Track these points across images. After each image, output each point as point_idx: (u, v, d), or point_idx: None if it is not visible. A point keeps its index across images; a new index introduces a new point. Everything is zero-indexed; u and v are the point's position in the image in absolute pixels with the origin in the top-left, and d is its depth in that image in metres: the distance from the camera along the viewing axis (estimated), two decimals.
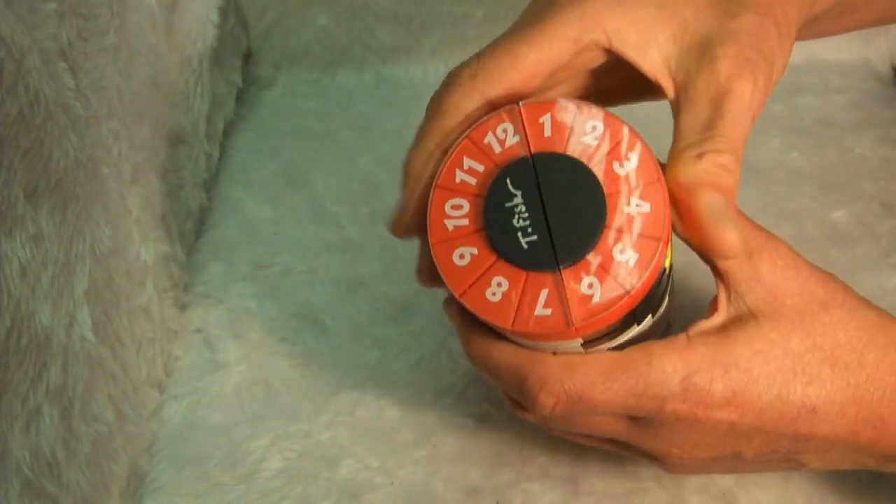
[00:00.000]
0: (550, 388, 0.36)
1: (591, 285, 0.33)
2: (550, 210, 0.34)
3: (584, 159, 0.34)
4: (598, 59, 0.39)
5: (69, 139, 0.42)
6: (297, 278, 0.56)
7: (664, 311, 0.39)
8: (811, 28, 0.43)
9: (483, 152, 0.35)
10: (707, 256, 0.37)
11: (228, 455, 0.48)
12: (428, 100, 0.39)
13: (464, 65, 0.38)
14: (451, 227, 0.35)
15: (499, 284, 0.34)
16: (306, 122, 0.68)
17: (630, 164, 0.34)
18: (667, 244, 0.35)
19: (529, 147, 0.35)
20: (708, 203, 0.35)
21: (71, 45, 0.44)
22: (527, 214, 0.34)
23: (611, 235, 0.34)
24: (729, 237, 0.35)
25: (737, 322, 0.37)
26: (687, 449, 0.38)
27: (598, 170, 0.34)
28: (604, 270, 0.33)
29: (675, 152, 0.36)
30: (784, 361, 0.36)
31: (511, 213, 0.34)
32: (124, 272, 0.47)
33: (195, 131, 0.60)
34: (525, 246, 0.33)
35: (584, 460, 0.46)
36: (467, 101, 0.37)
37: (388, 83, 0.71)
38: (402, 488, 0.46)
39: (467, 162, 0.35)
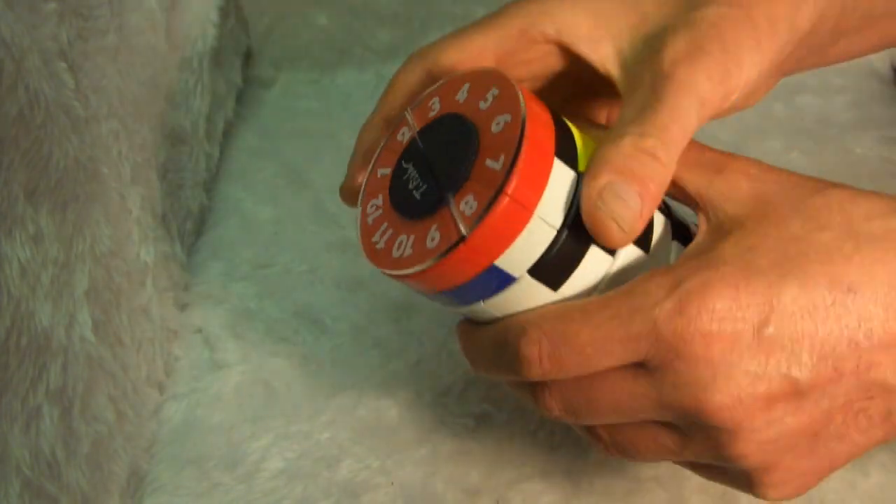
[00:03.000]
0: (530, 336, 0.33)
1: (468, 201, 0.33)
2: (434, 164, 0.35)
3: (466, 114, 0.35)
4: (555, 57, 0.38)
5: (69, 139, 0.42)
6: (297, 278, 0.56)
7: (658, 240, 0.37)
8: (822, 50, 0.41)
9: (392, 151, 0.38)
10: (677, 189, 0.35)
11: (228, 455, 0.48)
12: None
13: (421, 47, 0.40)
14: (370, 221, 0.37)
15: (402, 241, 0.35)
16: (306, 122, 0.68)
17: (490, 97, 0.35)
18: (543, 146, 0.33)
19: (416, 129, 0.37)
20: (602, 186, 0.32)
21: (71, 45, 0.44)
22: (417, 177, 0.36)
23: (482, 158, 0.34)
24: (609, 226, 0.32)
25: (721, 232, 0.33)
26: (726, 392, 0.32)
27: (470, 116, 0.35)
28: (477, 184, 0.33)
29: (603, 140, 0.34)
30: (789, 247, 0.32)
31: (407, 182, 0.36)
32: (124, 272, 0.47)
33: (195, 131, 0.60)
34: (418, 199, 0.35)
35: (585, 460, 0.46)
36: (410, 76, 0.39)
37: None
38: (402, 488, 0.46)
39: (380, 169, 0.38)
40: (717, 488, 0.44)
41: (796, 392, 0.32)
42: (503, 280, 0.34)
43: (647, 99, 0.34)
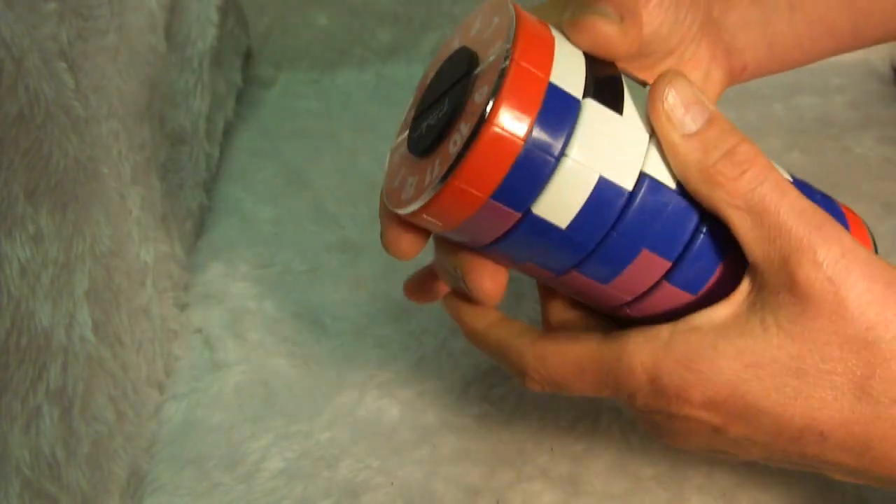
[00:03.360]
0: (531, 378, 0.37)
1: (460, 133, 0.32)
2: (441, 101, 0.34)
3: (472, 45, 0.34)
4: None
5: (69, 139, 0.42)
6: (297, 278, 0.56)
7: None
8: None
9: (419, 92, 0.37)
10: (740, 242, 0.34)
11: (228, 455, 0.48)
12: None
13: None
14: (393, 165, 0.37)
15: (410, 181, 0.34)
16: (306, 122, 0.68)
17: (491, 26, 0.33)
18: (541, 64, 0.32)
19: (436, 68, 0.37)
20: (567, 16, 0.33)
21: (71, 45, 0.44)
22: (428, 115, 0.34)
23: (477, 88, 0.32)
24: (607, 29, 0.33)
25: (739, 325, 0.33)
26: (679, 439, 0.36)
27: (474, 48, 0.34)
28: (468, 115, 0.32)
29: None
30: (785, 381, 0.33)
31: (420, 122, 0.35)
32: (124, 272, 0.47)
33: (195, 131, 0.60)
34: (424, 137, 0.34)
35: (584, 460, 0.46)
36: None
37: (388, 83, 0.71)
38: (402, 488, 0.46)
39: (411, 111, 0.37)
40: (717, 488, 0.44)
41: (737, 455, 0.37)
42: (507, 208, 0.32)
43: None
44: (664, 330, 0.34)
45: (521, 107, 0.31)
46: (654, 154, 0.33)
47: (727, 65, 0.42)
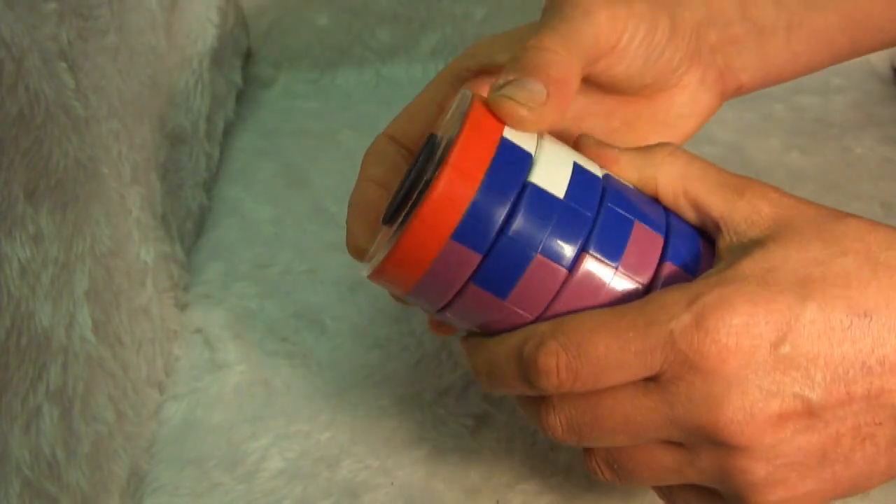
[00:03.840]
0: (547, 347, 0.33)
1: (409, 208, 0.35)
2: (413, 174, 0.36)
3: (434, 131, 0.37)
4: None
5: (69, 139, 0.42)
6: (297, 278, 0.56)
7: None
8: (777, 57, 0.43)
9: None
10: (700, 212, 0.36)
11: (228, 455, 0.48)
12: None
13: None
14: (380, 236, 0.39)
15: (378, 247, 0.37)
16: (306, 122, 0.68)
17: (457, 116, 0.36)
18: (473, 158, 0.34)
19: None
20: (503, 83, 0.35)
21: (71, 45, 0.44)
22: (401, 192, 0.36)
23: (427, 168, 0.35)
24: (515, 109, 0.35)
25: (743, 255, 0.34)
26: (739, 407, 0.32)
27: (441, 134, 0.37)
28: (418, 192, 0.35)
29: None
30: (810, 269, 0.32)
31: (395, 197, 0.37)
32: (124, 272, 0.47)
33: (195, 131, 0.60)
34: (394, 208, 0.36)
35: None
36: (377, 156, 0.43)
37: (388, 83, 0.72)
38: (402, 488, 0.46)
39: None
40: None
41: (808, 411, 0.33)
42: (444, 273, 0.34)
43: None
44: (688, 287, 0.33)
45: (460, 182, 0.33)
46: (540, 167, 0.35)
47: (720, 87, 0.43)
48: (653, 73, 0.40)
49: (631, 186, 0.37)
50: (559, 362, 0.33)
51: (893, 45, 0.46)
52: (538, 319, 0.35)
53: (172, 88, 0.58)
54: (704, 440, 0.33)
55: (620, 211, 0.35)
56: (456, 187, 0.33)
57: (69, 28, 0.44)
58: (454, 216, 0.33)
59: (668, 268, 0.35)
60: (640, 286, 0.35)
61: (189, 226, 0.58)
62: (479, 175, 0.33)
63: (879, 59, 0.68)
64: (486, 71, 0.41)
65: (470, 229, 0.33)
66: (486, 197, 0.33)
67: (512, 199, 0.34)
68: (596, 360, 0.33)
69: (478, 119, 0.35)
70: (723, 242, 0.35)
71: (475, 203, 0.33)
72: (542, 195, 0.34)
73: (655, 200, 0.37)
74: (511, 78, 0.35)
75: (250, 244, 0.58)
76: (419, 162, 0.36)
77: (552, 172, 0.35)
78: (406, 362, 0.51)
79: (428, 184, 0.34)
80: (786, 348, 0.32)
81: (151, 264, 0.51)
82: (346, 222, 0.40)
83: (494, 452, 0.47)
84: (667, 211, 0.37)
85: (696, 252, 0.36)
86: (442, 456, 0.47)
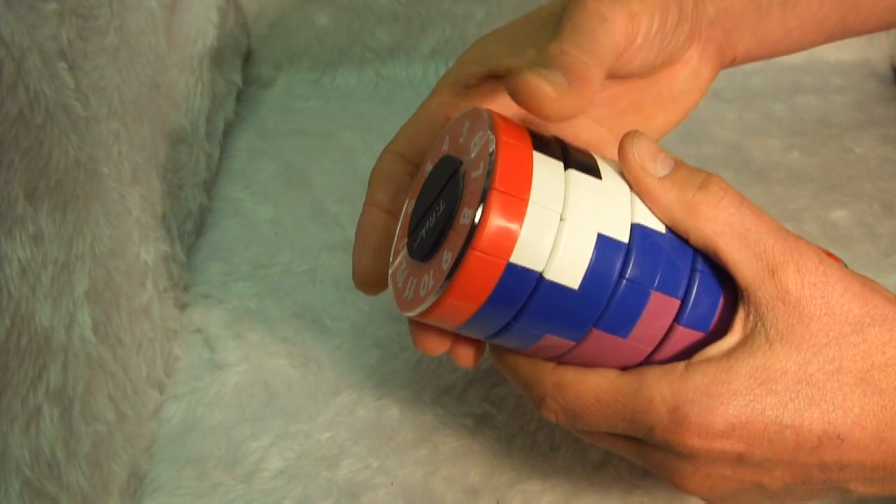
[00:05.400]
0: (548, 406, 0.37)
1: (447, 259, 0.34)
2: (432, 209, 0.36)
3: (458, 153, 0.36)
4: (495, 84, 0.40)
5: (69, 139, 0.42)
6: (297, 278, 0.56)
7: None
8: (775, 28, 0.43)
9: (417, 185, 0.38)
10: (728, 270, 0.35)
11: (228, 455, 0.48)
12: None
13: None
14: (397, 258, 0.38)
15: (412, 283, 0.36)
16: (306, 122, 0.68)
17: (477, 141, 0.35)
18: (511, 192, 0.33)
19: (429, 166, 0.38)
20: (522, 73, 0.34)
21: (71, 45, 0.44)
22: (421, 219, 0.36)
23: (462, 207, 0.34)
24: (542, 87, 0.33)
25: (746, 347, 0.35)
26: (701, 476, 0.36)
27: (461, 160, 0.35)
28: (455, 235, 0.34)
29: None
30: (798, 389, 0.34)
31: (416, 223, 0.36)
32: (124, 272, 0.47)
33: (195, 131, 0.60)
34: (420, 243, 0.36)
35: (584, 460, 0.46)
36: (386, 165, 0.42)
37: (388, 83, 0.71)
38: (402, 488, 0.46)
39: (411, 202, 0.39)
40: None
41: (762, 486, 0.36)
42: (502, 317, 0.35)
43: (557, 28, 0.36)
44: (679, 365, 0.35)
45: (505, 231, 0.33)
46: (639, 206, 0.35)
47: (717, 59, 0.43)
48: (663, 56, 0.40)
49: (662, 229, 0.36)
50: (557, 418, 0.37)
51: (884, 29, 0.46)
52: (571, 348, 0.36)
53: (172, 88, 0.58)
54: (660, 473, 0.38)
55: (636, 285, 0.35)
56: (508, 214, 0.33)
57: (69, 28, 0.44)
58: (511, 244, 0.33)
59: (679, 330, 0.36)
60: (646, 350, 0.36)
61: (189, 226, 0.58)
62: (525, 197, 0.33)
63: (879, 59, 0.68)
64: (494, 75, 0.40)
65: (527, 253, 0.33)
66: (536, 218, 0.33)
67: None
68: (588, 423, 0.37)
69: (508, 139, 0.34)
70: (742, 313, 0.35)
71: (526, 225, 0.33)
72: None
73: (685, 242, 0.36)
74: (529, 70, 0.34)
75: (250, 244, 0.58)
76: (445, 190, 0.35)
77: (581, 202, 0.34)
78: (406, 362, 0.51)
79: (482, 205, 0.32)
80: (753, 457, 0.35)
81: (151, 264, 0.51)
82: (354, 254, 0.40)
83: (494, 452, 0.47)
84: (695, 253, 0.36)
85: (713, 311, 0.36)
86: (442, 456, 0.47)
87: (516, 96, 0.34)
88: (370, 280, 0.40)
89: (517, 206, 0.33)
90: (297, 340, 0.53)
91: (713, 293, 0.36)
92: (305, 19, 0.71)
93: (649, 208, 0.35)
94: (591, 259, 0.34)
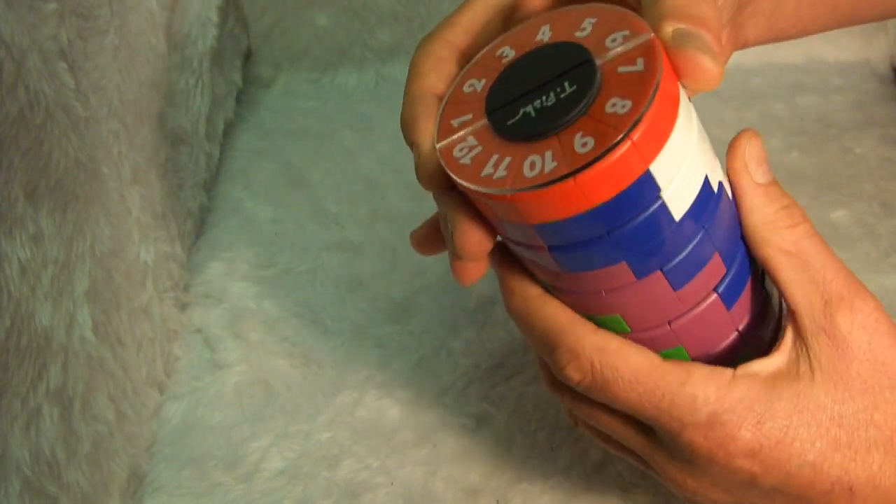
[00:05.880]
0: (580, 365, 0.35)
1: (585, 143, 0.31)
2: (546, 90, 0.33)
3: (579, 41, 0.34)
4: None
5: (69, 139, 0.42)
6: (297, 278, 0.56)
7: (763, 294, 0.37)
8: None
9: (487, 68, 0.36)
10: (782, 297, 0.35)
11: (228, 455, 0.48)
12: None
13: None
14: (455, 135, 0.35)
15: (496, 160, 0.33)
16: (306, 122, 0.68)
17: (619, 38, 0.33)
18: (669, 97, 0.32)
19: (521, 50, 0.35)
20: (671, 32, 0.32)
21: (71, 45, 0.44)
22: (522, 98, 0.34)
23: (605, 97, 0.32)
24: (702, 61, 0.32)
25: (792, 372, 0.34)
26: (703, 485, 0.36)
27: (592, 50, 0.34)
28: (598, 123, 0.32)
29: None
30: (829, 429, 0.34)
31: (508, 101, 0.34)
32: (124, 272, 0.47)
33: (195, 131, 0.60)
34: (520, 121, 0.33)
35: (584, 460, 0.46)
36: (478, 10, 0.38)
37: (388, 83, 0.71)
38: (402, 488, 0.46)
39: (470, 81, 0.36)
40: None
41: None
42: (590, 231, 0.33)
43: None
44: (726, 372, 0.35)
45: (658, 133, 0.32)
46: (718, 167, 0.35)
47: (731, 45, 0.42)
48: None
49: (734, 209, 0.36)
50: (583, 381, 0.35)
51: (893, 16, 0.46)
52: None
53: (172, 88, 0.58)
54: (661, 469, 0.37)
55: (710, 240, 0.35)
56: (667, 118, 0.31)
57: (69, 28, 0.44)
58: (659, 149, 0.32)
59: (712, 298, 0.36)
60: (681, 310, 0.36)
61: (189, 226, 0.58)
62: (677, 110, 0.32)
63: (879, 59, 0.68)
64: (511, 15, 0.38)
65: (664, 166, 0.32)
66: (679, 135, 0.32)
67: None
68: (612, 399, 0.35)
69: (665, 64, 0.32)
70: (790, 334, 0.35)
71: (672, 138, 0.32)
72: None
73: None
74: (683, 29, 0.33)
75: (250, 244, 0.58)
76: (567, 75, 0.33)
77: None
78: (406, 362, 0.51)
79: (650, 102, 0.31)
80: (764, 485, 0.35)
81: (151, 264, 0.51)
82: (413, 141, 0.35)
83: (494, 452, 0.47)
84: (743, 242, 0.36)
85: (739, 292, 0.36)
86: (442, 456, 0.47)
87: (683, 69, 0.32)
88: (435, 176, 0.35)
89: (673, 113, 0.32)
90: (297, 340, 0.53)
91: (746, 274, 0.36)
92: (305, 19, 0.71)
93: (737, 205, 0.36)
94: (696, 195, 0.33)
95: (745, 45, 0.43)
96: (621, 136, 0.31)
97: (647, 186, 0.32)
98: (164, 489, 0.47)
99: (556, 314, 0.36)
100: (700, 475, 0.36)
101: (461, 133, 0.34)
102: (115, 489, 0.44)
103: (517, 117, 0.33)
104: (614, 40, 0.33)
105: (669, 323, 0.36)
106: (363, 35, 0.71)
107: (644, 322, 0.36)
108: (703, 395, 0.34)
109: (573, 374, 0.35)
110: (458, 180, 0.33)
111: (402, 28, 0.71)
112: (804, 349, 0.34)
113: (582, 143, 0.31)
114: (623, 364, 0.34)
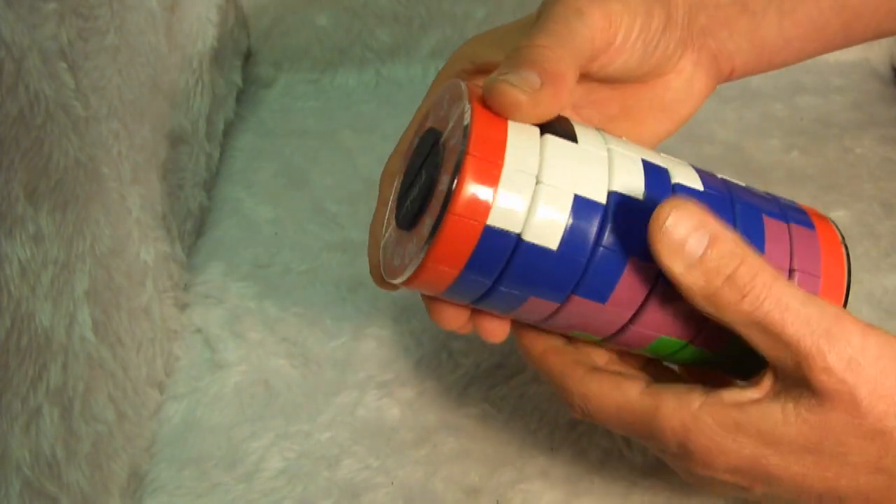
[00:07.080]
0: (574, 409, 0.39)
1: (427, 224, 0.34)
2: (416, 180, 0.36)
3: (439, 124, 0.36)
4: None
5: (69, 139, 0.42)
6: (297, 278, 0.56)
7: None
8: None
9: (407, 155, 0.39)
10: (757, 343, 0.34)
11: (228, 455, 0.48)
12: None
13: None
14: (387, 229, 0.39)
15: (399, 252, 0.36)
16: (306, 122, 0.68)
17: (454, 113, 0.35)
18: (487, 153, 0.33)
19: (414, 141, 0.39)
20: (498, 74, 0.34)
21: (71, 45, 0.44)
22: (408, 190, 0.37)
23: (441, 176, 0.34)
24: (511, 93, 0.33)
25: (763, 406, 0.35)
26: (707, 489, 0.39)
27: (442, 130, 0.36)
28: (435, 201, 0.34)
29: None
30: (803, 455, 0.35)
31: (403, 193, 0.37)
32: (124, 272, 0.47)
33: (195, 131, 0.60)
34: (405, 212, 0.36)
35: (584, 460, 0.46)
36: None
37: (388, 83, 0.72)
38: (402, 488, 0.46)
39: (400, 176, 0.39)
40: None
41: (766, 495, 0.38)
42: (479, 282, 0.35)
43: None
44: (696, 399, 0.35)
45: (482, 193, 0.33)
46: (617, 172, 0.35)
47: (714, 69, 0.43)
48: (650, 63, 0.40)
49: (641, 197, 0.36)
50: (582, 418, 0.39)
51: (887, 35, 0.46)
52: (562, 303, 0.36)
53: (172, 88, 0.58)
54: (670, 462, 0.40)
55: (612, 250, 0.35)
56: (482, 177, 0.33)
57: (69, 28, 0.44)
58: (486, 207, 0.33)
59: (657, 298, 0.37)
60: (626, 315, 0.36)
61: (189, 226, 0.58)
62: (500, 162, 0.33)
63: (879, 59, 0.68)
64: (482, 70, 0.40)
65: (503, 215, 0.33)
66: (511, 181, 0.33)
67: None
68: (612, 429, 0.39)
69: (482, 107, 0.34)
70: (770, 377, 0.35)
71: (501, 187, 0.33)
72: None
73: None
74: (504, 71, 0.35)
75: (250, 244, 0.58)
76: (427, 161, 0.35)
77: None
78: (406, 362, 0.51)
79: (457, 170, 0.33)
80: (755, 493, 0.37)
81: (151, 264, 0.51)
82: (369, 252, 0.41)
83: (494, 452, 0.47)
84: None
85: None
86: (442, 456, 0.47)
87: (491, 105, 0.34)
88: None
89: (491, 169, 0.33)
90: (297, 340, 0.53)
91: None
92: (305, 19, 0.71)
93: (631, 180, 0.35)
94: (568, 219, 0.34)
95: (732, 72, 0.44)
96: (440, 211, 0.33)
97: (496, 238, 0.34)
98: (164, 489, 0.47)
99: (550, 369, 0.39)
100: (700, 477, 0.38)
101: (389, 229, 0.38)
102: (116, 489, 0.44)
103: (404, 209, 0.37)
104: (452, 115, 0.36)
105: (630, 324, 0.37)
106: (363, 35, 0.71)
107: (604, 331, 0.37)
108: (670, 429, 0.36)
109: (575, 415, 0.39)
110: (388, 280, 0.37)
111: (402, 28, 0.71)
112: (784, 394, 0.35)
113: (427, 224, 0.34)
114: (605, 406, 0.38)
